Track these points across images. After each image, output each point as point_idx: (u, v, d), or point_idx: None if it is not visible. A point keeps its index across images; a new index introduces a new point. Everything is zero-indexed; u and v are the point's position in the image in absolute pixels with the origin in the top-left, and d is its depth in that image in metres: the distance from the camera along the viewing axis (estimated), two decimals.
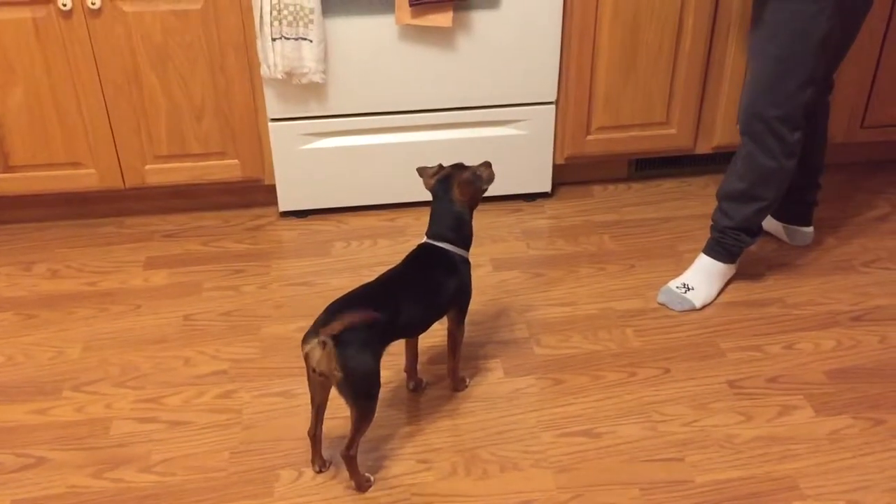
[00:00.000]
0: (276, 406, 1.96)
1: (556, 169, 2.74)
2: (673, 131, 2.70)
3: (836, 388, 2.00)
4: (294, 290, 2.36)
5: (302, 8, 2.28)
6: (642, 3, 2.46)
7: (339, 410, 1.72)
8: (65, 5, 2.25)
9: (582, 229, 2.63)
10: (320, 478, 1.77)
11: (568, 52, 2.52)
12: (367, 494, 1.74)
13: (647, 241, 2.57)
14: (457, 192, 1.80)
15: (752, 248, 2.44)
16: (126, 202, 2.68)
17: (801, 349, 2.12)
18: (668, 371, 2.05)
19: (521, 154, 2.65)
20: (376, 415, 1.69)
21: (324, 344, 1.57)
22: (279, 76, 2.37)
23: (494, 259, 2.48)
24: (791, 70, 2.00)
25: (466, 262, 1.85)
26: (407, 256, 1.83)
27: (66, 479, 1.77)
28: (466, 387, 2.00)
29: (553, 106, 2.60)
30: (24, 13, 2.26)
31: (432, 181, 1.83)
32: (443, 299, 1.81)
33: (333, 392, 1.66)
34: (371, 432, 1.74)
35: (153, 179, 2.56)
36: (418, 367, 1.99)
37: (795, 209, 2.46)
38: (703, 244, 2.30)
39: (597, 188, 2.85)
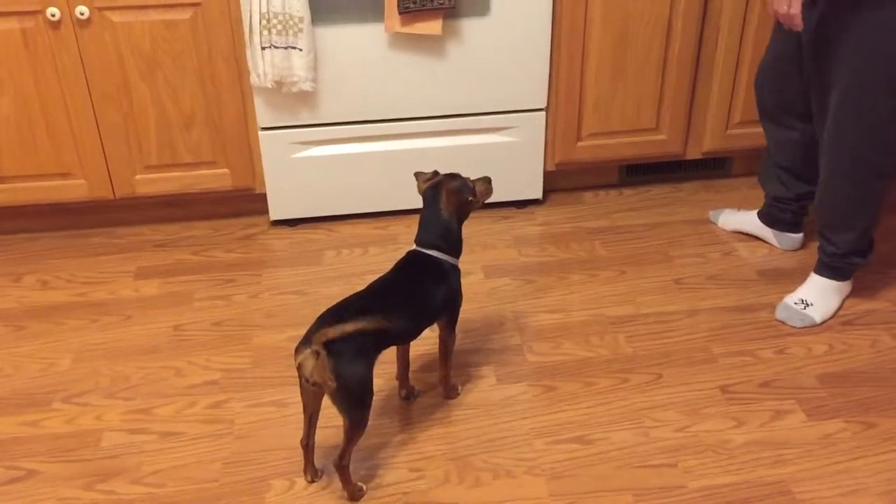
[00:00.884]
0: (267, 416, 1.95)
1: (547, 176, 2.75)
2: (663, 137, 2.71)
3: (828, 393, 2.00)
4: (285, 300, 2.35)
5: (291, 17, 2.28)
6: (631, 9, 2.47)
7: (331, 419, 1.72)
8: (53, 16, 2.24)
9: (573, 236, 2.63)
10: (312, 487, 1.76)
11: (557, 59, 2.53)
12: (360, 498, 1.73)
13: (638, 247, 2.57)
14: (443, 200, 1.80)
15: (744, 253, 2.46)
16: (116, 212, 2.67)
17: (792, 354, 2.12)
18: (660, 377, 2.05)
19: (511, 161, 2.66)
20: (368, 423, 1.69)
21: (317, 354, 1.56)
22: (269, 85, 2.37)
23: (486, 266, 2.48)
24: None
25: (456, 269, 1.84)
26: (396, 264, 1.83)
27: (56, 492, 1.76)
28: (458, 394, 2.00)
29: (543, 113, 2.60)
30: (12, 23, 2.26)
31: (424, 186, 1.84)
32: (433, 306, 1.80)
33: (326, 401, 1.65)
34: (363, 441, 1.73)
35: (143, 189, 2.55)
36: (410, 375, 1.99)
37: (788, 216, 2.45)
38: (697, 250, 2.32)
39: (588, 194, 2.85)
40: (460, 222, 1.84)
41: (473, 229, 2.64)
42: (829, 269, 2.22)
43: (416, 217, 1.85)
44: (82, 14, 2.25)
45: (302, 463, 1.77)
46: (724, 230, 2.60)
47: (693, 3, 2.48)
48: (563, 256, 2.53)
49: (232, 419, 1.94)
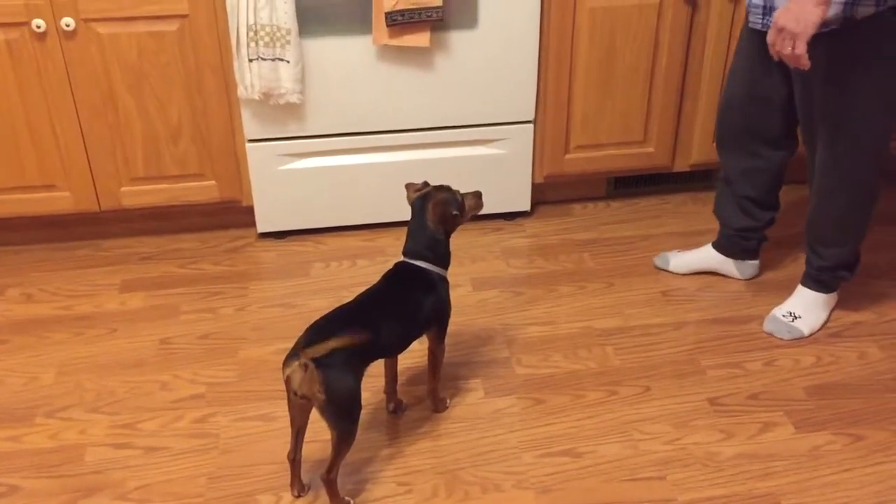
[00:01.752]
0: (254, 430, 1.93)
1: (536, 188, 2.75)
2: (651, 150, 2.71)
3: (816, 405, 2.00)
4: (273, 312, 2.34)
5: (279, 29, 2.28)
6: (618, 22, 2.48)
7: (318, 434, 1.70)
8: (39, 27, 2.23)
9: (561, 248, 2.63)
10: (299, 502, 1.75)
11: (545, 72, 2.53)
12: None
13: (626, 258, 2.57)
14: (429, 213, 1.80)
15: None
16: (102, 225, 2.65)
17: (780, 366, 2.13)
18: (648, 389, 2.05)
19: (500, 173, 2.66)
20: (356, 437, 1.67)
21: (305, 367, 1.55)
22: (256, 97, 2.36)
23: (474, 278, 2.48)
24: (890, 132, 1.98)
25: (444, 280, 1.84)
26: (384, 275, 1.82)
27: None
28: (447, 407, 1.99)
29: (531, 125, 2.60)
30: None
31: (413, 197, 1.83)
32: (421, 317, 1.80)
33: (314, 415, 1.64)
34: (351, 455, 1.72)
35: (129, 202, 2.53)
36: (397, 388, 1.98)
37: (753, 244, 2.40)
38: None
39: (576, 206, 2.86)
40: (447, 234, 1.83)
41: (462, 241, 2.63)
42: (816, 282, 2.22)
43: (405, 229, 1.85)
44: (68, 26, 2.24)
45: (288, 477, 1.75)
46: (677, 273, 2.48)
47: (680, 16, 2.49)
48: (551, 268, 2.53)
49: (218, 433, 1.92)
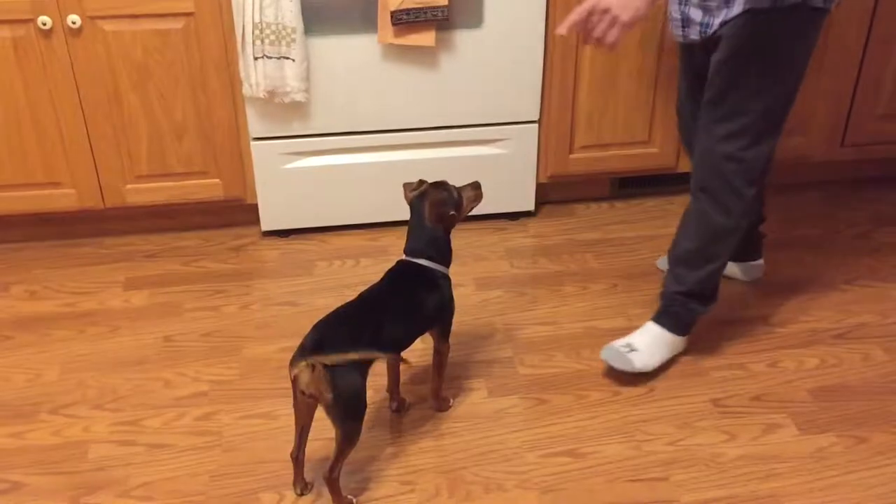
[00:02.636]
0: (257, 428, 1.93)
1: (540, 188, 2.75)
2: (655, 150, 2.71)
3: (820, 407, 2.00)
4: (276, 311, 2.34)
5: (284, 27, 2.28)
6: None
7: (322, 432, 1.70)
8: (44, 24, 2.23)
9: (565, 248, 2.63)
10: (302, 500, 1.75)
11: (550, 72, 2.53)
12: None
13: (630, 259, 2.57)
14: (426, 212, 1.79)
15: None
16: (106, 222, 2.65)
17: (784, 367, 2.12)
18: (652, 390, 2.05)
19: (504, 173, 2.66)
20: (360, 436, 1.67)
21: (312, 366, 1.55)
22: (261, 95, 2.36)
23: (477, 278, 2.48)
24: (778, 122, 1.86)
25: (446, 278, 1.84)
26: (387, 273, 1.82)
27: None
28: (450, 406, 1.98)
29: (536, 125, 2.60)
30: (4, 32, 2.25)
31: (411, 196, 1.83)
32: (424, 315, 1.80)
33: (318, 413, 1.64)
34: (354, 453, 1.71)
35: (133, 199, 2.54)
36: (400, 387, 1.98)
37: (749, 245, 2.37)
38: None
39: (580, 207, 2.85)
40: (447, 231, 1.83)
41: (465, 241, 2.63)
42: (665, 315, 2.09)
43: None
44: (74, 23, 2.24)
45: (291, 475, 1.75)
46: None
47: None
48: (555, 269, 2.53)
49: (220, 431, 1.93)
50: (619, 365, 2.04)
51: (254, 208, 2.63)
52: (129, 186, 2.51)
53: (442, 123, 2.55)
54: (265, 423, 1.94)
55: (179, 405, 2.00)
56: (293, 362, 1.60)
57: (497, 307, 2.35)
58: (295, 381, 1.60)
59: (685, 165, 2.77)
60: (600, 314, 2.32)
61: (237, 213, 2.69)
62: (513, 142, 2.62)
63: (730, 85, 1.82)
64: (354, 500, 1.73)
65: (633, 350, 2.05)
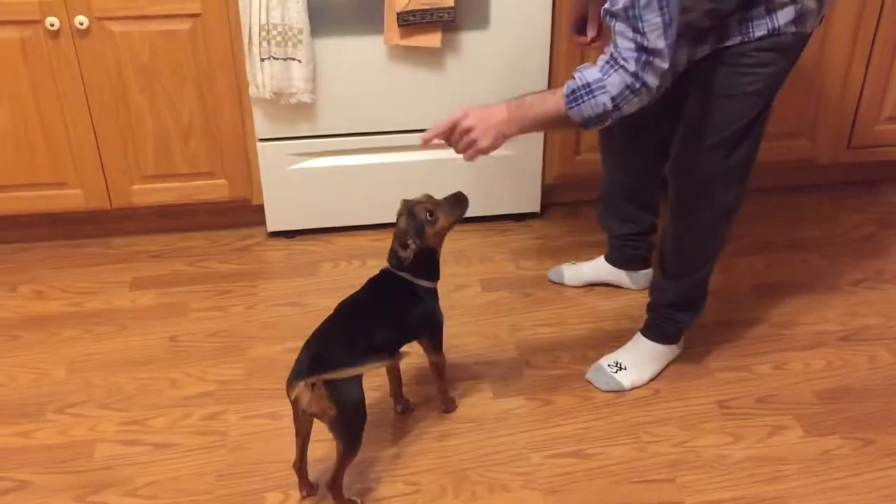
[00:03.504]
0: (263, 428, 1.94)
1: (546, 189, 2.75)
2: None
3: (826, 409, 1.99)
4: (282, 311, 2.34)
5: (291, 28, 2.29)
6: None
7: (322, 433, 1.70)
8: (52, 25, 2.24)
9: (571, 249, 2.63)
10: (308, 501, 1.75)
11: (556, 73, 2.53)
12: None
13: None
14: (393, 243, 1.76)
15: (741, 267, 2.45)
16: (112, 222, 2.66)
17: (790, 369, 2.12)
18: (657, 392, 2.05)
19: (510, 174, 2.66)
20: (364, 437, 1.67)
21: (312, 386, 1.55)
22: (268, 96, 2.36)
23: (483, 279, 2.48)
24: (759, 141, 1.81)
25: (430, 292, 1.80)
26: (370, 280, 1.80)
27: (49, 503, 1.74)
28: (456, 407, 1.98)
29: None
30: (11, 33, 2.25)
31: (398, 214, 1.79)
32: (410, 323, 1.77)
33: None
34: (359, 454, 1.71)
35: (140, 200, 2.54)
36: (404, 389, 1.98)
37: (637, 253, 2.36)
38: None
39: (586, 208, 2.84)
40: (432, 252, 1.78)
41: (470, 242, 2.63)
42: (651, 327, 2.09)
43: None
44: (81, 24, 2.25)
45: (297, 475, 1.75)
46: (572, 286, 2.43)
47: None
48: None
49: (227, 431, 1.93)
50: (606, 387, 2.04)
51: (260, 209, 2.64)
52: (135, 187, 2.52)
53: None
54: (271, 422, 1.95)
55: (186, 405, 2.01)
56: (291, 383, 1.58)
57: (502, 308, 2.36)
58: (295, 402, 1.59)
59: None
60: (606, 315, 2.32)
61: (243, 213, 2.69)
62: (519, 143, 2.60)
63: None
64: (359, 501, 1.73)
65: (620, 369, 2.05)
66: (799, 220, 2.78)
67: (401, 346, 1.79)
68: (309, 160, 2.55)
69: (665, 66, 1.51)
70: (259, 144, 2.50)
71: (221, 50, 2.36)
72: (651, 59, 1.50)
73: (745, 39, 1.67)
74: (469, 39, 2.43)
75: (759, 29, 1.66)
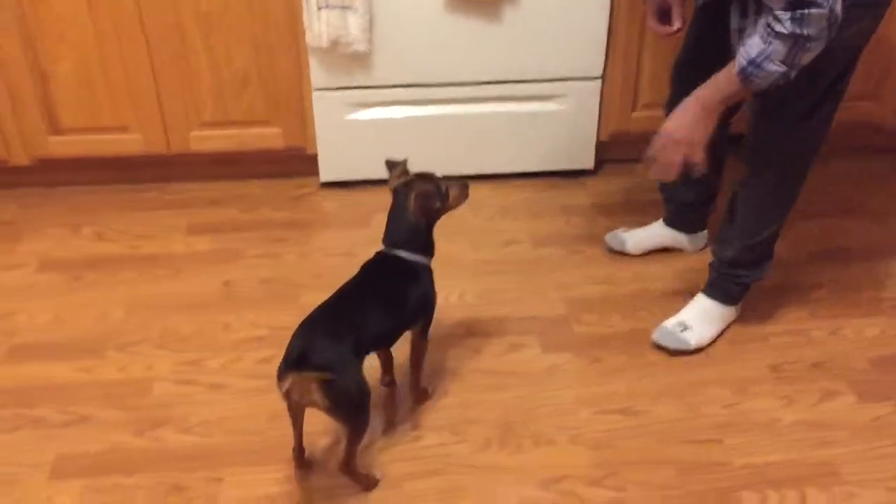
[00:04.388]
0: None
1: (600, 146, 2.71)
2: None
3: (880, 376, 1.96)
4: (333, 261, 2.37)
5: None
6: None
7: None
8: None
9: (624, 208, 2.60)
10: (322, 476, 1.73)
11: (616, 27, 2.48)
12: (403, 458, 1.74)
13: None
14: (412, 204, 1.71)
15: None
16: (170, 168, 2.70)
17: (845, 335, 2.08)
18: (709, 354, 2.03)
19: (564, 130, 2.63)
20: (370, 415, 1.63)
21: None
22: (324, 45, 2.36)
23: (533, 235, 2.47)
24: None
25: (428, 270, 1.76)
26: (363, 267, 1.76)
27: (108, 437, 1.81)
28: (429, 398, 1.91)
29: (599, 81, 2.56)
30: None
31: (395, 183, 1.75)
32: (408, 310, 1.74)
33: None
34: (407, 403, 1.73)
35: (197, 146, 2.57)
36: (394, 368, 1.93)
37: (698, 215, 2.33)
38: None
39: (641, 166, 2.80)
40: (430, 225, 1.75)
41: (520, 197, 2.61)
42: (713, 286, 2.08)
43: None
44: None
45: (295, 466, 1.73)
46: (635, 254, 2.38)
47: None
48: (613, 228, 2.49)
49: None
50: (674, 346, 2.03)
51: (314, 158, 2.65)
52: (193, 133, 2.55)
53: (504, 78, 2.53)
54: None
55: (238, 348, 2.05)
56: (281, 375, 1.52)
57: (552, 264, 2.35)
58: (288, 394, 1.53)
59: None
60: (657, 275, 2.30)
61: (298, 162, 2.71)
62: (574, 98, 2.58)
63: None
64: (379, 475, 1.71)
65: (686, 328, 2.04)
66: (861, 185, 2.70)
67: (397, 338, 1.76)
68: (364, 110, 2.55)
69: (823, 11, 1.48)
70: (315, 94, 2.50)
71: None
72: (804, 11, 1.47)
73: None
74: None
75: None
